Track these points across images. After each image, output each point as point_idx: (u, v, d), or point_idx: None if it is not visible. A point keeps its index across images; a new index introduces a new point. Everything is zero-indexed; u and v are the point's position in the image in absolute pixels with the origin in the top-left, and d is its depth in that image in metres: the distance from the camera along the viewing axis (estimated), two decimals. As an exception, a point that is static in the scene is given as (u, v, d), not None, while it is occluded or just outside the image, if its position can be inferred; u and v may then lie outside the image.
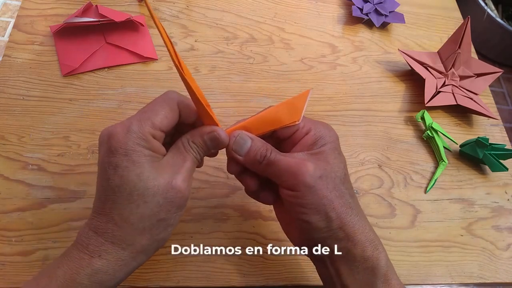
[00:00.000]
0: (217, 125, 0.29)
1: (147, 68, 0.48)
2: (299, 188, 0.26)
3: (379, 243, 0.28)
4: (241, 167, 0.30)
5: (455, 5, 0.65)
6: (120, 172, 0.24)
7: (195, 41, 0.51)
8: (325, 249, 0.27)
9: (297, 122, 0.29)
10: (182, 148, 0.27)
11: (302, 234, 0.28)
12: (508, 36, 1.42)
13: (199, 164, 0.30)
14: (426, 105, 0.50)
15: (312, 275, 0.34)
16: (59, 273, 0.24)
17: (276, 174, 0.28)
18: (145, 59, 0.48)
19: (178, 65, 0.25)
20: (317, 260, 0.29)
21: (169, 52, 0.25)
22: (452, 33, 0.54)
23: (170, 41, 0.26)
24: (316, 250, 0.28)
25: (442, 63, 0.54)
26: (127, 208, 0.24)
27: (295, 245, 0.30)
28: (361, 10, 0.58)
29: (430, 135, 0.48)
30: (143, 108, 0.27)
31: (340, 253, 0.27)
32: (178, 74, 0.26)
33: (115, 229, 0.25)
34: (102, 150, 0.25)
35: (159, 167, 0.25)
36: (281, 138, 0.30)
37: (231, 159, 0.30)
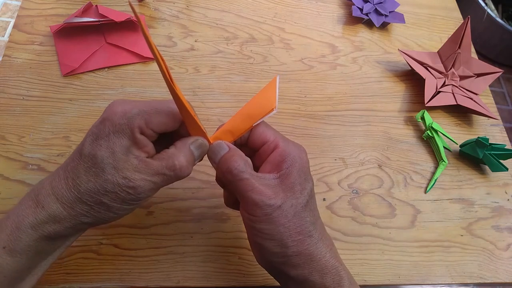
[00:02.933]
0: (204, 133, 0.29)
1: (147, 68, 0.48)
2: (256, 215, 0.26)
3: (341, 268, 0.27)
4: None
5: (455, 5, 0.65)
6: (94, 145, 0.25)
7: (195, 41, 0.51)
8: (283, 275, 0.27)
9: (274, 110, 0.28)
10: (163, 162, 0.27)
11: (260, 256, 0.28)
12: (508, 36, 1.42)
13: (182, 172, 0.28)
14: (426, 105, 0.50)
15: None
16: (8, 223, 0.25)
17: (239, 193, 0.27)
18: (145, 59, 0.48)
19: (166, 73, 0.25)
20: (281, 283, 0.29)
21: (157, 60, 0.25)
22: (452, 33, 0.54)
23: (156, 48, 0.25)
24: (276, 275, 0.29)
25: (442, 63, 0.54)
26: (82, 177, 0.25)
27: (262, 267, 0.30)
28: (361, 10, 0.58)
29: (430, 135, 0.48)
30: (154, 102, 0.27)
31: (297, 280, 0.27)
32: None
33: (64, 188, 0.26)
34: (101, 115, 0.27)
35: (127, 162, 0.26)
36: (253, 148, 0.30)
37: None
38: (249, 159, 0.28)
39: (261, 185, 0.27)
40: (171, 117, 0.27)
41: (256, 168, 0.30)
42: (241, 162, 0.27)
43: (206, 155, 0.29)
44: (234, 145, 0.30)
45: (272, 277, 0.38)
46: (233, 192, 0.29)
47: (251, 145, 0.30)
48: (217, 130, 0.30)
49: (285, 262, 0.27)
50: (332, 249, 0.28)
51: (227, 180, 0.28)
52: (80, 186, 0.25)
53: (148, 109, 0.26)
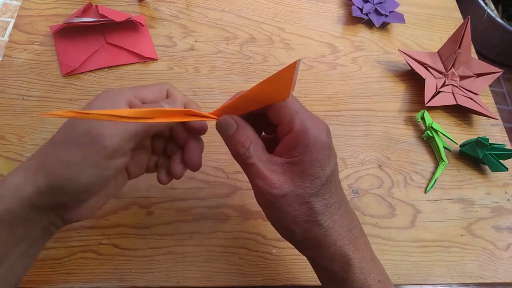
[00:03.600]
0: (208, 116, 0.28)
1: (147, 68, 0.48)
2: (261, 202, 0.27)
3: (354, 257, 0.26)
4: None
5: (455, 5, 0.65)
6: (88, 107, 0.26)
7: (195, 41, 0.51)
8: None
9: (285, 98, 0.25)
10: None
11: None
12: (508, 36, 1.42)
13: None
14: (426, 105, 0.50)
15: (312, 275, 0.34)
16: None
17: (247, 174, 0.27)
18: (145, 59, 0.48)
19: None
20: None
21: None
22: (452, 33, 0.54)
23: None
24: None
25: (442, 63, 0.54)
26: (52, 141, 0.26)
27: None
28: (361, 10, 0.58)
29: (430, 135, 0.48)
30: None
31: (309, 258, 0.28)
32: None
33: (35, 156, 0.26)
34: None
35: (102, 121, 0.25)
36: (272, 122, 0.27)
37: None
38: (259, 140, 0.27)
39: (268, 171, 0.25)
40: (158, 90, 0.29)
41: (276, 144, 0.27)
42: (247, 144, 0.26)
43: (217, 128, 0.28)
44: (253, 113, 0.28)
45: (272, 277, 0.38)
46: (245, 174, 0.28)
47: (269, 119, 0.27)
48: (225, 103, 0.28)
49: (296, 245, 0.28)
50: (346, 235, 0.26)
51: (237, 160, 0.27)
52: (48, 150, 0.25)
53: (136, 86, 0.28)
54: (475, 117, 0.53)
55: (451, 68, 0.53)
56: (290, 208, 0.25)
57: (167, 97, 0.29)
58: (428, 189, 0.46)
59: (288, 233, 0.27)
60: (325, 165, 0.25)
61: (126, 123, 0.25)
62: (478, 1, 1.44)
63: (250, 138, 0.26)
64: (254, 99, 0.26)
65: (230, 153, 0.28)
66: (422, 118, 0.49)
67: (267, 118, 0.27)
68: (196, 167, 0.30)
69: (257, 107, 0.27)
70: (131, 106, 0.26)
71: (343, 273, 0.26)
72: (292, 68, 0.24)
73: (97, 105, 0.25)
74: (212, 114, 0.28)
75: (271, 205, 0.26)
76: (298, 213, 0.25)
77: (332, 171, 0.26)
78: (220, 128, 0.27)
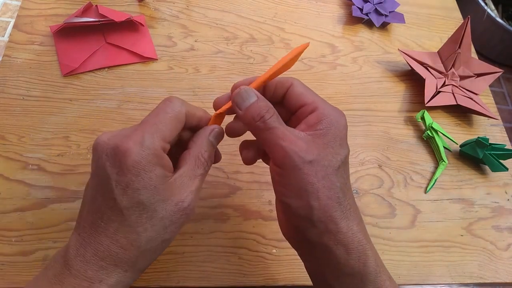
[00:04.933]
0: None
1: (147, 68, 0.48)
2: (285, 166, 0.24)
3: (368, 246, 0.25)
4: (242, 130, 0.30)
5: (455, 5, 0.65)
6: (131, 193, 0.23)
7: (195, 41, 0.51)
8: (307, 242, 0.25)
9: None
10: (194, 163, 0.26)
11: (286, 219, 0.27)
12: (508, 36, 1.42)
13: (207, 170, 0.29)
14: (426, 105, 0.50)
15: (312, 275, 0.35)
16: None
17: (267, 143, 0.26)
18: (145, 59, 0.48)
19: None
20: (302, 253, 0.28)
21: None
22: (452, 33, 0.54)
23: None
24: (299, 244, 0.27)
25: (442, 63, 0.54)
26: (135, 231, 0.23)
27: (283, 235, 0.29)
28: (361, 10, 0.58)
29: (430, 135, 0.48)
30: (151, 117, 0.25)
31: (321, 250, 0.25)
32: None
33: (120, 252, 0.23)
34: (107, 164, 0.23)
35: (168, 188, 0.24)
36: (290, 110, 0.28)
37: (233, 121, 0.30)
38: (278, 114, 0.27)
39: (294, 136, 0.25)
40: (177, 120, 0.26)
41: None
42: (272, 111, 0.26)
43: (232, 101, 0.27)
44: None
45: (272, 277, 0.38)
46: (262, 144, 0.27)
47: (287, 106, 0.28)
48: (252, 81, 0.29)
49: (309, 228, 0.24)
50: (360, 224, 0.26)
51: (255, 128, 0.26)
52: (139, 240, 0.23)
53: (153, 127, 0.24)
54: (475, 117, 0.53)
55: (451, 68, 0.53)
56: (314, 178, 0.24)
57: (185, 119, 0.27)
58: (428, 189, 0.46)
59: (303, 212, 0.24)
60: (344, 144, 0.26)
61: (198, 187, 0.26)
62: (478, 1, 1.44)
63: (273, 108, 0.26)
64: (264, 79, 0.28)
65: (229, 151, 0.28)
66: (422, 118, 0.49)
67: (280, 109, 0.28)
68: (217, 158, 0.30)
69: (269, 80, 0.29)
70: (164, 151, 0.25)
71: (361, 266, 0.24)
72: (301, 50, 0.28)
73: (155, 186, 0.23)
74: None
75: (295, 172, 0.24)
76: (321, 185, 0.24)
77: (346, 155, 0.26)
78: (239, 97, 0.27)
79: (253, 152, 0.30)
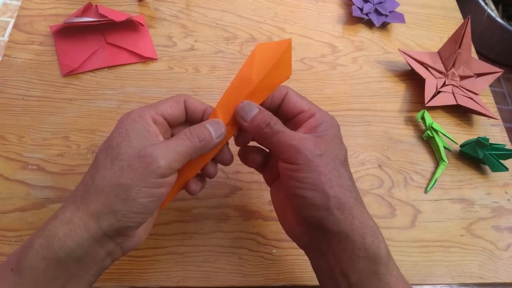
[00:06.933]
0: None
1: (147, 68, 0.48)
2: (298, 161, 0.26)
3: (378, 232, 0.27)
4: (248, 139, 0.32)
5: (455, 5, 0.65)
6: (107, 140, 0.27)
7: (195, 41, 0.51)
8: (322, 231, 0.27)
9: (289, 76, 0.30)
10: (178, 136, 0.28)
11: (298, 214, 0.28)
12: (508, 36, 1.42)
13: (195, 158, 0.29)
14: (426, 105, 0.50)
15: (312, 275, 0.34)
16: (36, 241, 0.24)
17: (277, 145, 0.28)
18: (145, 59, 0.48)
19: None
20: (313, 248, 0.28)
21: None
22: (452, 33, 0.54)
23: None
24: (312, 236, 0.28)
25: (442, 63, 0.54)
26: (96, 168, 0.26)
27: (291, 236, 0.30)
28: (361, 10, 0.58)
29: (430, 135, 0.48)
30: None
31: (338, 237, 0.26)
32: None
33: (80, 188, 0.26)
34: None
35: (141, 141, 0.26)
36: (286, 117, 0.31)
37: (239, 134, 0.32)
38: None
39: (301, 136, 0.27)
40: (173, 101, 0.29)
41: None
42: (275, 118, 0.29)
43: (237, 115, 0.29)
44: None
45: (272, 278, 0.38)
46: (271, 147, 0.29)
47: (284, 114, 0.31)
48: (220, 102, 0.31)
49: (326, 216, 0.26)
50: (367, 210, 0.28)
51: (263, 135, 0.28)
52: (97, 176, 0.25)
53: (153, 105, 0.29)
54: (475, 117, 0.53)
55: (451, 68, 0.53)
56: (326, 169, 0.26)
57: (185, 107, 0.30)
58: (428, 189, 0.46)
59: (320, 201, 0.26)
60: (342, 143, 0.29)
61: (176, 147, 0.26)
62: (478, 1, 1.44)
63: (272, 115, 0.29)
64: (264, 87, 0.29)
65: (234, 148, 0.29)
66: (422, 118, 0.49)
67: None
68: (229, 161, 0.32)
69: (267, 95, 0.30)
70: (155, 123, 0.28)
71: (375, 249, 0.26)
72: (288, 50, 0.29)
73: (126, 133, 0.26)
74: (232, 126, 0.30)
75: (308, 166, 0.26)
76: (332, 175, 0.26)
77: (346, 152, 0.29)
78: (243, 110, 0.29)
79: (260, 156, 0.33)
